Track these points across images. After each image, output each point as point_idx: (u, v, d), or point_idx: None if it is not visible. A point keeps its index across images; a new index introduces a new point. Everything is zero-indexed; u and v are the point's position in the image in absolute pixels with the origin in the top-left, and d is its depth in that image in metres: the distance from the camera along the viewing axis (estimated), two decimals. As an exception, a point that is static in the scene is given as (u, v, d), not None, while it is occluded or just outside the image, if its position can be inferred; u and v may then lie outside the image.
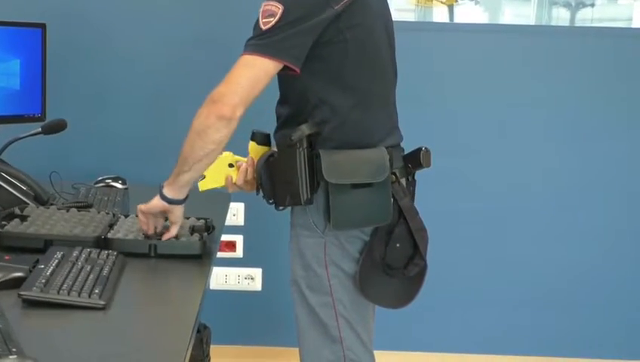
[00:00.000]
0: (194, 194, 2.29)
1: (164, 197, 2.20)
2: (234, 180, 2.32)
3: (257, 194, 2.31)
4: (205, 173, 2.30)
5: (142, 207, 2.24)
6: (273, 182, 2.22)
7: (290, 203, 2.20)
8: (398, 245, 2.27)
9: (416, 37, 3.52)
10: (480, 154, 3.61)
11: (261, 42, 2.11)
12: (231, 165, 2.34)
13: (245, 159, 2.32)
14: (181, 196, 2.20)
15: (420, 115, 3.45)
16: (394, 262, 2.28)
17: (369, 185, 2.22)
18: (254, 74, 2.11)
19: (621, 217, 3.65)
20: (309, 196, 2.18)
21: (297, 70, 2.13)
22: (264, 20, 2.10)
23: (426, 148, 2.32)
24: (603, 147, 3.61)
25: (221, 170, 2.32)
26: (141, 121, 3.55)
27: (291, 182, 2.17)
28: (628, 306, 3.68)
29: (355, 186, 2.20)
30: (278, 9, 2.09)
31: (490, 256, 3.65)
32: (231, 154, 2.35)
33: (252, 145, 2.30)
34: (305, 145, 2.17)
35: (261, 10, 2.12)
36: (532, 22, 3.66)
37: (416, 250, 2.29)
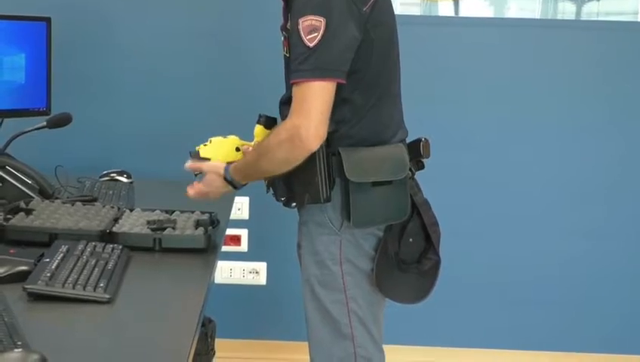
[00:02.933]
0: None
1: (228, 176, 2.25)
2: None
3: (267, 192, 2.30)
4: (211, 158, 2.30)
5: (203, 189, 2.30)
6: (290, 181, 2.21)
7: (309, 201, 2.20)
8: (411, 240, 2.28)
9: (422, 31, 3.51)
10: (485, 149, 3.60)
11: (316, 64, 2.08)
12: (237, 149, 2.33)
13: (251, 143, 2.31)
14: (242, 183, 2.28)
15: (425, 110, 3.44)
16: (407, 257, 2.29)
17: (389, 182, 2.22)
18: (325, 99, 2.09)
19: (627, 214, 3.64)
20: (329, 194, 2.18)
21: (344, 81, 2.14)
22: (309, 37, 2.07)
23: (425, 138, 2.33)
24: (609, 142, 3.60)
25: (227, 155, 2.32)
26: (146, 116, 3.54)
27: (311, 180, 2.17)
28: (622, 301, 3.68)
29: (375, 184, 2.20)
30: (320, 22, 2.07)
31: (492, 252, 3.64)
32: (237, 138, 2.35)
33: (259, 128, 2.29)
34: (323, 143, 2.17)
35: (300, 26, 2.08)
36: (537, 16, 3.65)
37: (429, 245, 2.30)
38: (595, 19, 3.64)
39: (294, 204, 2.25)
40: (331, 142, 2.18)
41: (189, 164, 2.33)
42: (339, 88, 2.14)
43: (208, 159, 2.30)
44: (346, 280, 2.25)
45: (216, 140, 2.34)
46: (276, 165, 2.16)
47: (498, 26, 3.59)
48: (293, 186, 2.21)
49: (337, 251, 2.24)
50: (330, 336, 2.27)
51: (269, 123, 2.29)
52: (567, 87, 3.58)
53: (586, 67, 3.57)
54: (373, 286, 2.28)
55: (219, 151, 2.30)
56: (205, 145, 2.33)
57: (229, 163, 2.27)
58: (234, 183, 2.26)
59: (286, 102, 2.26)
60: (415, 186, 2.30)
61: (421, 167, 2.33)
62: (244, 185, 2.29)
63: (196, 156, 2.32)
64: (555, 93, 3.58)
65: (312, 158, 2.15)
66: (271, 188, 2.30)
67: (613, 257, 3.65)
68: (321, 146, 2.14)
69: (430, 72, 3.54)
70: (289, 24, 2.16)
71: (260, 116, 2.30)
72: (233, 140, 2.34)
